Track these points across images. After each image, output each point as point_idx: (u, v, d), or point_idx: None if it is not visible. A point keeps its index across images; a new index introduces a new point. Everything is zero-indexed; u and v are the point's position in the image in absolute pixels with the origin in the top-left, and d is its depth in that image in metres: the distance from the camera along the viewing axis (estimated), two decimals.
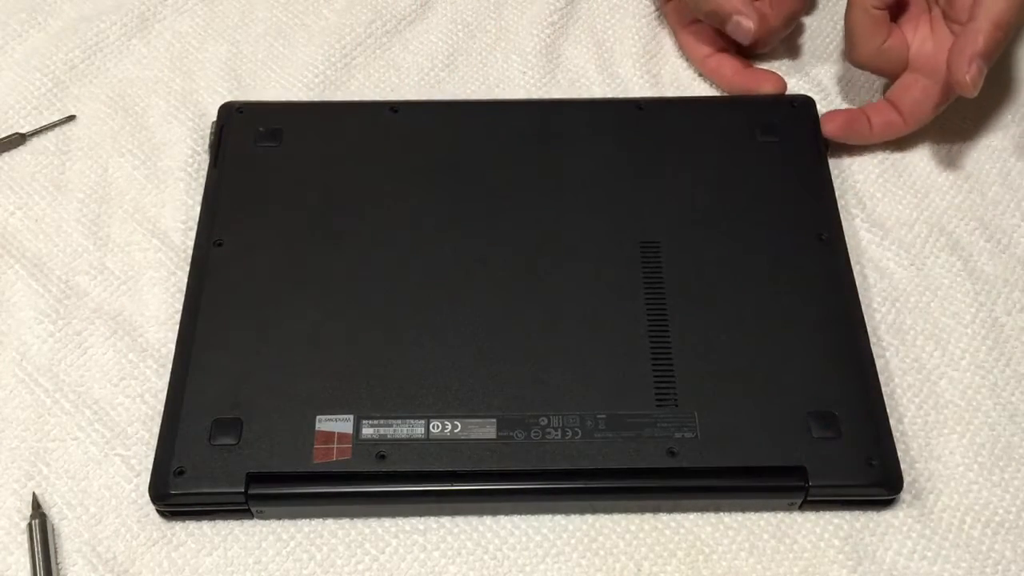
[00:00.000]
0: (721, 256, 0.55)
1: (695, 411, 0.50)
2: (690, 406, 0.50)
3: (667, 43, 0.67)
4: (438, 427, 0.50)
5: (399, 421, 0.50)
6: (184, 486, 0.48)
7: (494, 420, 0.50)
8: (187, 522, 0.50)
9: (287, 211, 0.57)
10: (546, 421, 0.50)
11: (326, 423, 0.50)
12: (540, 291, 0.54)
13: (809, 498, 0.49)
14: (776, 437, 0.50)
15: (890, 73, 0.61)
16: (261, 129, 0.59)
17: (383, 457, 0.49)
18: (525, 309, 0.53)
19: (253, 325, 0.53)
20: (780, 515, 0.50)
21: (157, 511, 0.50)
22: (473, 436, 0.49)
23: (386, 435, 0.49)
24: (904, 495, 0.50)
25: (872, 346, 0.53)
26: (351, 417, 0.50)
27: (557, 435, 0.49)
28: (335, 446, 0.49)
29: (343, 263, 0.55)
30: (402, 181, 0.58)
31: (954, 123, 0.62)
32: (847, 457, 0.49)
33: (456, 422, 0.50)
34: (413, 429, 0.50)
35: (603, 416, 0.50)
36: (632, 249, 0.55)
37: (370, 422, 0.50)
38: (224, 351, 0.52)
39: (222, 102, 0.61)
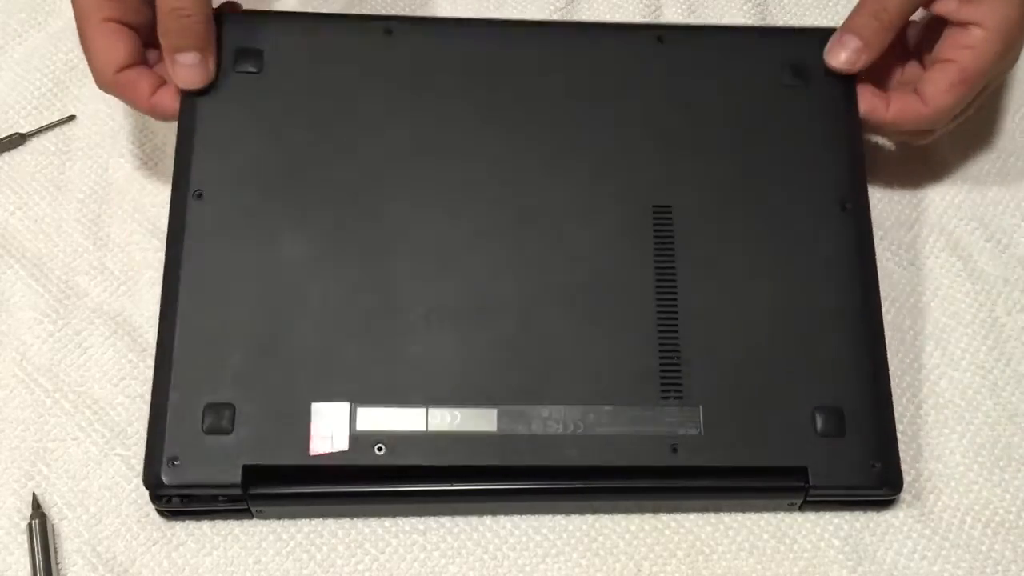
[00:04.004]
0: (736, 227, 0.52)
1: (700, 406, 0.49)
2: (695, 401, 0.49)
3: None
4: (437, 418, 0.48)
5: (397, 410, 0.48)
6: (179, 476, 0.47)
7: (495, 411, 0.49)
8: (187, 522, 0.50)
9: (273, 155, 0.52)
10: (547, 413, 0.49)
11: (322, 410, 0.48)
12: (546, 273, 0.51)
13: (809, 498, 0.49)
14: (780, 435, 0.49)
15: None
16: (240, 48, 0.54)
17: (381, 450, 0.48)
18: (529, 294, 0.51)
19: (241, 294, 0.50)
20: (780, 515, 0.50)
21: (157, 511, 0.50)
22: (473, 428, 0.48)
23: (384, 426, 0.48)
24: (904, 495, 0.50)
25: None
26: (347, 404, 0.48)
27: (559, 428, 0.48)
28: (332, 437, 0.48)
29: (338, 225, 0.51)
30: (397, 121, 0.53)
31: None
32: (850, 458, 0.48)
33: (456, 412, 0.49)
34: (412, 419, 0.48)
35: (606, 409, 0.49)
36: (644, 216, 0.52)
37: (367, 410, 0.48)
38: (210, 325, 0.49)
39: None
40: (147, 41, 0.54)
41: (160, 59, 0.54)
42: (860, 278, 0.52)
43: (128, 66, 0.53)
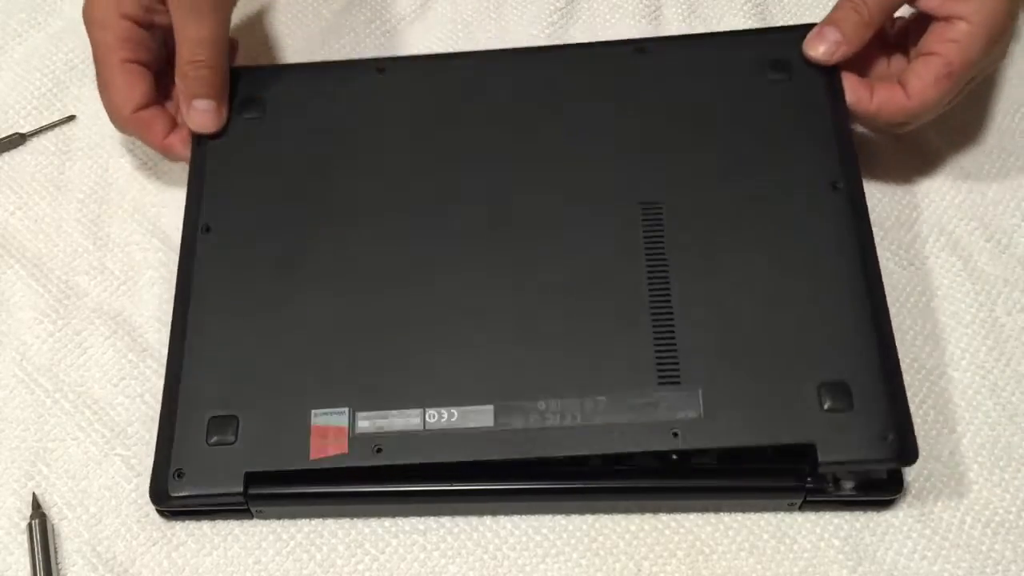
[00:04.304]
0: (726, 213, 0.52)
1: (699, 389, 0.48)
2: (694, 383, 0.48)
3: None
4: (435, 417, 0.49)
5: (395, 412, 0.49)
6: (184, 488, 0.48)
7: (491, 407, 0.49)
8: (187, 522, 0.50)
9: (275, 191, 0.55)
10: (544, 406, 0.48)
11: (322, 417, 0.49)
12: (536, 269, 0.52)
13: (810, 498, 0.49)
14: (784, 413, 0.48)
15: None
16: (244, 98, 0.57)
17: (380, 451, 0.48)
18: (520, 289, 0.51)
19: (244, 317, 0.52)
20: (780, 515, 0.50)
21: (157, 511, 0.50)
22: (470, 425, 0.48)
23: (382, 428, 0.48)
24: (904, 495, 0.50)
25: None
26: (346, 410, 0.49)
27: (556, 420, 0.48)
28: (331, 441, 0.48)
29: (335, 249, 0.53)
30: (391, 152, 0.56)
31: (954, 123, 0.62)
32: (860, 431, 0.47)
33: (453, 411, 0.49)
34: (409, 420, 0.49)
35: (603, 398, 0.48)
36: (632, 212, 0.52)
37: (365, 414, 0.49)
38: (216, 345, 0.51)
39: None
40: (157, 78, 0.57)
41: (169, 97, 0.57)
42: (858, 251, 0.51)
43: (145, 106, 0.56)
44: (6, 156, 0.61)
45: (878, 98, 0.55)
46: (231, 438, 0.49)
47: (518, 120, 0.56)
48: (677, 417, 0.48)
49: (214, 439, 0.49)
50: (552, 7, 0.67)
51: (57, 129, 0.62)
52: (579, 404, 0.48)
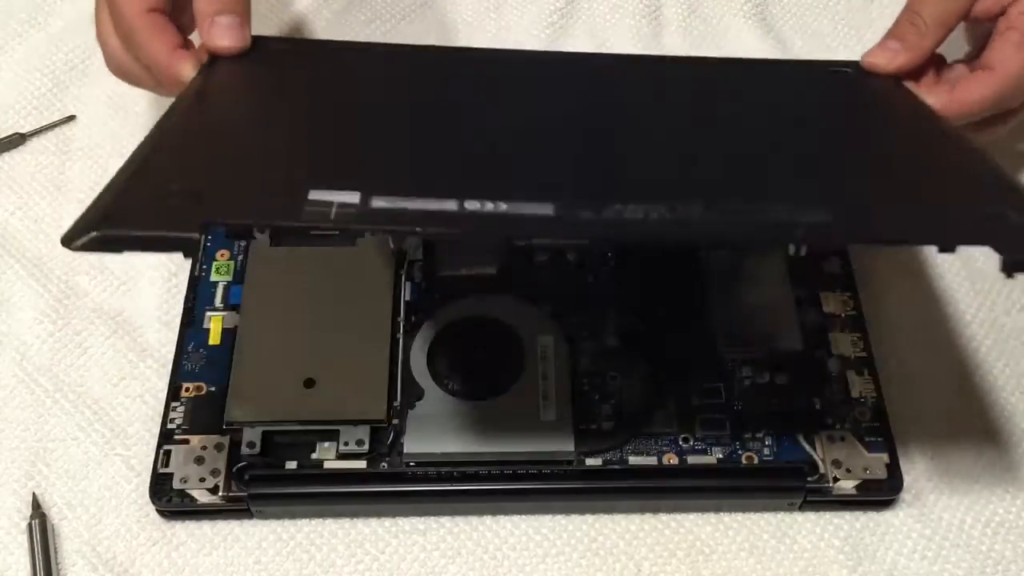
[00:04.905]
0: None
1: (830, 199, 0.38)
2: (814, 196, 0.38)
3: (667, 43, 0.67)
4: (475, 208, 0.35)
5: (422, 199, 0.35)
6: (120, 226, 0.34)
7: (551, 205, 0.35)
8: (187, 522, 0.50)
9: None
10: (621, 206, 0.35)
11: (323, 198, 0.35)
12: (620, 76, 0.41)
13: (809, 498, 0.49)
14: (931, 212, 0.37)
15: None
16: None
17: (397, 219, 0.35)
18: (601, 81, 0.41)
19: (238, 96, 0.43)
20: (780, 515, 0.50)
21: (157, 511, 0.50)
22: (522, 212, 0.35)
23: (405, 209, 0.35)
24: (904, 495, 0.50)
25: (872, 347, 0.53)
26: (357, 194, 0.35)
27: (638, 215, 0.35)
28: (334, 211, 0.34)
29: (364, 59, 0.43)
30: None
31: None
32: None
33: (500, 204, 0.35)
34: (441, 206, 0.35)
35: (700, 200, 0.36)
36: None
37: (383, 199, 0.35)
38: (192, 125, 0.41)
39: None
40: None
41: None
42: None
43: (158, 10, 0.50)
44: (6, 156, 0.61)
45: (959, 89, 0.52)
46: (193, 200, 0.35)
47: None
48: (800, 218, 0.36)
49: (172, 197, 0.35)
50: (552, 7, 0.67)
51: (57, 129, 0.62)
52: (668, 207, 0.35)
